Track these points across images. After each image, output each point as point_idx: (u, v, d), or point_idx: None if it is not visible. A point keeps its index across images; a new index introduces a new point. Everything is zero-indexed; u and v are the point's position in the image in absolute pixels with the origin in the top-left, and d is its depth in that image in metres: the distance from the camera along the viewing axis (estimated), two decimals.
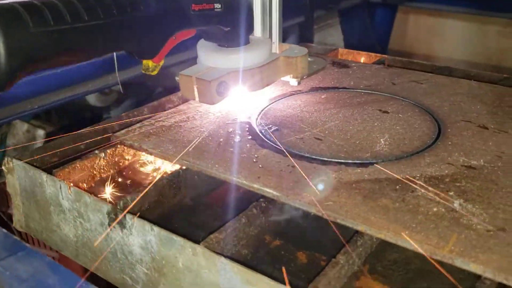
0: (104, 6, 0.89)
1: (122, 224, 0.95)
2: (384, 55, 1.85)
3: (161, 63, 1.12)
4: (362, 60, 1.88)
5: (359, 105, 1.36)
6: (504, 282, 0.75)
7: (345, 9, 3.21)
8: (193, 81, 1.14)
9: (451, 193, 0.95)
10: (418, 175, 1.01)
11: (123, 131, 1.22)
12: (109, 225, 0.97)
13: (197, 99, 1.16)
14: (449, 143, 1.15)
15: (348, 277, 0.87)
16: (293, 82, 1.34)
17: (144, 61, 1.10)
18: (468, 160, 1.07)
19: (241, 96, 1.28)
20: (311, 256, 0.95)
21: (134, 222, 0.93)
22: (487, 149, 1.12)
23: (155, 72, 1.12)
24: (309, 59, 1.35)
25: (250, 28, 1.25)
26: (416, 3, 3.32)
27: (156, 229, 0.90)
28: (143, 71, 1.11)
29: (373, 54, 1.88)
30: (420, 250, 0.82)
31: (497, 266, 0.77)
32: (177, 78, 1.18)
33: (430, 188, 0.97)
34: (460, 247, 0.81)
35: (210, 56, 1.20)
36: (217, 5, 1.12)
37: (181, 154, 1.10)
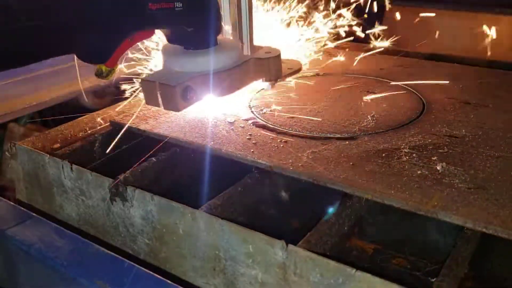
0: (44, 5, 0.79)
1: (123, 197, 1.00)
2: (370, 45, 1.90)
3: (116, 67, 1.01)
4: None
5: (347, 87, 1.42)
6: (484, 230, 0.81)
7: None
8: (156, 87, 1.04)
9: (434, 158, 1.00)
10: (403, 145, 1.07)
11: (121, 116, 1.27)
12: (111, 199, 1.02)
13: (161, 106, 1.06)
14: (433, 117, 1.21)
15: (339, 237, 0.92)
16: (266, 86, 1.25)
17: (98, 66, 0.99)
18: (450, 131, 1.13)
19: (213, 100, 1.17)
20: (305, 222, 0.99)
21: (135, 194, 0.98)
22: (469, 121, 1.18)
23: (109, 78, 1.00)
24: (283, 61, 1.26)
25: (217, 28, 1.14)
26: (403, 2, 3.40)
27: (156, 198, 0.95)
28: (96, 77, 1.01)
29: (361, 44, 1.93)
30: (405, 207, 0.87)
31: (477, 217, 0.82)
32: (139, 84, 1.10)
33: (414, 155, 1.02)
34: (443, 202, 0.86)
35: (174, 60, 1.10)
36: (178, 4, 1.01)
37: (177, 133, 1.15)
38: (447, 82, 1.41)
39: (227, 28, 1.21)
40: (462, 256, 0.80)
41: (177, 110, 1.06)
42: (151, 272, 0.84)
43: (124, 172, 1.05)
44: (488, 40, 2.85)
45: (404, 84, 1.42)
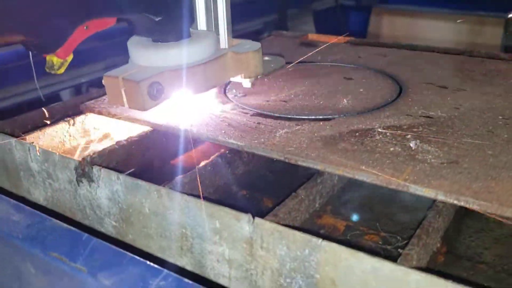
0: None
1: (89, 178, 0.97)
2: (352, 38, 1.90)
3: (69, 58, 0.91)
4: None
5: (325, 74, 1.40)
6: (455, 202, 0.79)
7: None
8: (119, 83, 0.94)
9: (408, 136, 0.99)
10: (378, 125, 1.05)
11: (92, 101, 1.24)
12: (78, 180, 0.98)
13: (126, 105, 0.96)
14: (410, 99, 1.19)
15: (310, 214, 0.89)
16: (246, 83, 1.13)
17: (48, 57, 0.90)
18: (426, 112, 1.11)
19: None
20: (279, 202, 0.97)
21: (101, 174, 0.95)
22: (445, 103, 1.16)
23: (61, 71, 0.91)
24: (266, 58, 1.18)
25: (189, 18, 1.05)
26: (389, 5, 3.41)
27: (122, 177, 0.92)
28: (47, 70, 0.92)
29: (341, 37, 1.92)
30: (375, 181, 0.85)
31: (449, 189, 0.80)
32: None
33: (388, 134, 1.00)
34: (414, 176, 0.84)
35: (141, 53, 1.00)
36: None
37: (148, 116, 1.12)
38: (425, 69, 1.40)
39: (201, 18, 1.11)
40: (433, 227, 0.78)
41: (143, 109, 0.96)
42: (109, 244, 0.81)
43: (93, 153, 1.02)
44: (470, 38, 2.86)
45: (381, 71, 1.40)
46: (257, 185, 1.03)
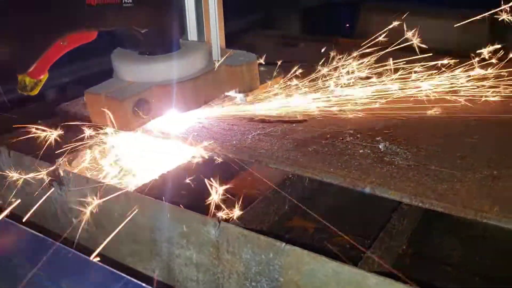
0: None
1: (60, 181, 0.97)
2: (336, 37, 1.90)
3: (44, 78, 0.80)
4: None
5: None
6: (420, 205, 0.79)
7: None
8: (102, 101, 0.87)
9: (378, 138, 0.99)
10: (350, 127, 1.05)
11: (68, 103, 1.24)
12: (49, 183, 0.98)
13: (109, 124, 0.88)
14: (384, 102, 1.19)
15: (280, 216, 0.90)
16: (240, 98, 1.05)
17: (19, 77, 0.79)
18: (399, 114, 1.12)
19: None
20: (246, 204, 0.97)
21: (71, 177, 0.94)
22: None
23: (35, 92, 0.81)
24: (261, 68, 1.08)
25: (179, 29, 0.96)
26: (378, 2, 3.42)
27: (91, 181, 0.92)
28: (19, 91, 0.81)
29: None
30: (342, 184, 0.85)
31: (414, 192, 0.81)
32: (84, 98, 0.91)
33: (359, 135, 1.01)
34: (381, 178, 0.85)
35: (126, 67, 0.91)
36: None
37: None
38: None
39: (191, 28, 1.02)
40: (397, 230, 0.79)
41: (129, 129, 0.89)
42: (71, 249, 0.80)
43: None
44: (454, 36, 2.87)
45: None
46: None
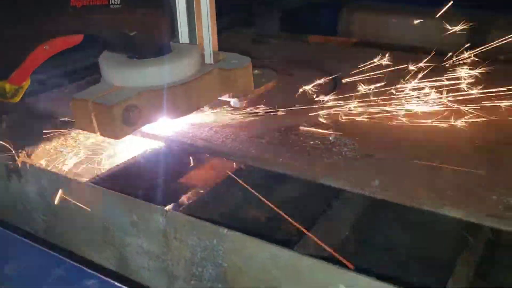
0: None
1: (19, 173, 0.99)
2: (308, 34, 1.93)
3: (26, 84, 0.77)
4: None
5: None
6: (361, 192, 0.82)
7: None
8: (89, 108, 0.81)
9: (330, 131, 1.02)
10: (306, 120, 1.08)
11: (32, 98, 1.25)
12: (8, 175, 1.00)
13: (97, 132, 0.83)
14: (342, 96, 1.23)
15: (232, 205, 0.93)
16: (234, 102, 1.02)
17: None
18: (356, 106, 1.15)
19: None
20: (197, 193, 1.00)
21: (29, 168, 0.96)
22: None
23: (16, 99, 0.77)
24: (255, 71, 1.05)
25: (169, 31, 0.92)
26: (361, 2, 3.45)
27: (47, 172, 0.94)
28: None
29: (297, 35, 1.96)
30: (290, 173, 0.88)
31: (356, 181, 0.84)
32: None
33: (313, 129, 1.04)
34: (327, 168, 0.88)
35: (114, 71, 0.87)
36: (114, 0, 0.78)
37: None
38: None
39: (182, 30, 0.98)
40: (338, 216, 0.82)
41: (116, 137, 0.84)
42: (13, 234, 0.82)
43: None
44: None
45: (323, 67, 1.44)
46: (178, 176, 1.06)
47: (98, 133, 0.85)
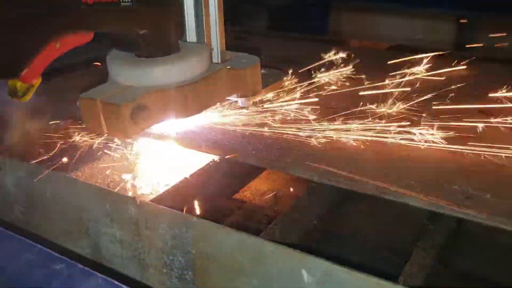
0: None
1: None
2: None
3: (37, 83, 0.76)
4: None
5: None
6: (328, 182, 0.85)
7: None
8: (97, 107, 0.81)
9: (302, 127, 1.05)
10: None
11: None
12: None
13: (105, 131, 0.82)
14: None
15: (207, 195, 0.95)
16: (241, 102, 1.00)
17: (9, 81, 0.74)
18: (327, 103, 1.17)
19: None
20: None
21: (7, 161, 0.98)
22: (345, 94, 1.22)
23: (26, 98, 0.76)
24: (262, 71, 1.01)
25: (178, 29, 0.92)
26: (347, 2, 3.47)
27: (25, 164, 0.96)
28: (10, 97, 0.77)
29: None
30: (259, 164, 0.91)
31: (323, 171, 0.87)
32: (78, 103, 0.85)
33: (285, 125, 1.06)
34: (296, 159, 0.91)
35: (123, 70, 0.86)
36: None
37: None
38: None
39: (190, 29, 0.95)
40: (303, 205, 0.85)
41: (126, 137, 0.84)
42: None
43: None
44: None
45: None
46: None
47: (106, 133, 0.84)
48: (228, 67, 0.95)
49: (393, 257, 0.82)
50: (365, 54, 1.44)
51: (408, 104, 1.09)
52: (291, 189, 1.02)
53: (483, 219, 0.74)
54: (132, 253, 0.87)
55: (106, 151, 1.01)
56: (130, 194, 0.90)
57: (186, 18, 0.93)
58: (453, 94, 1.13)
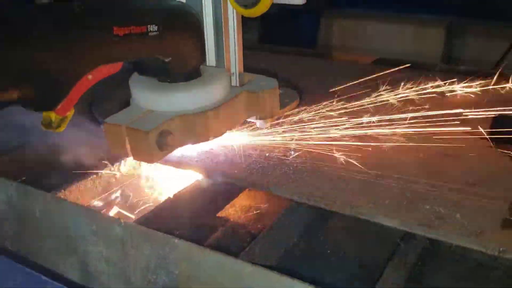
0: None
1: None
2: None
3: (70, 114, 0.78)
4: None
5: None
6: (306, 202, 0.88)
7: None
8: (123, 132, 0.83)
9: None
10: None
11: None
12: None
13: (130, 156, 0.85)
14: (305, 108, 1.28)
15: (190, 214, 0.98)
16: (259, 123, 1.02)
17: (44, 113, 0.77)
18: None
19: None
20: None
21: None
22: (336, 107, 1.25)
23: (61, 129, 0.79)
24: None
25: (200, 56, 0.94)
26: (338, 9, 3.49)
27: (14, 183, 0.99)
28: (44, 128, 0.79)
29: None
30: (245, 185, 0.95)
31: (302, 191, 0.90)
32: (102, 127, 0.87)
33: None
34: (278, 179, 0.95)
35: (147, 95, 0.88)
36: (152, 28, 0.80)
37: None
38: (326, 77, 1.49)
39: (210, 54, 0.97)
40: (283, 225, 0.88)
41: (151, 161, 0.86)
42: None
43: None
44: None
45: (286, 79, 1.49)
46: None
47: (131, 157, 0.86)
48: (247, 90, 0.97)
49: (368, 275, 0.85)
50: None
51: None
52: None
53: (453, 239, 0.78)
54: (118, 271, 0.90)
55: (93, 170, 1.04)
56: (115, 213, 0.93)
57: (206, 43, 0.95)
58: None
